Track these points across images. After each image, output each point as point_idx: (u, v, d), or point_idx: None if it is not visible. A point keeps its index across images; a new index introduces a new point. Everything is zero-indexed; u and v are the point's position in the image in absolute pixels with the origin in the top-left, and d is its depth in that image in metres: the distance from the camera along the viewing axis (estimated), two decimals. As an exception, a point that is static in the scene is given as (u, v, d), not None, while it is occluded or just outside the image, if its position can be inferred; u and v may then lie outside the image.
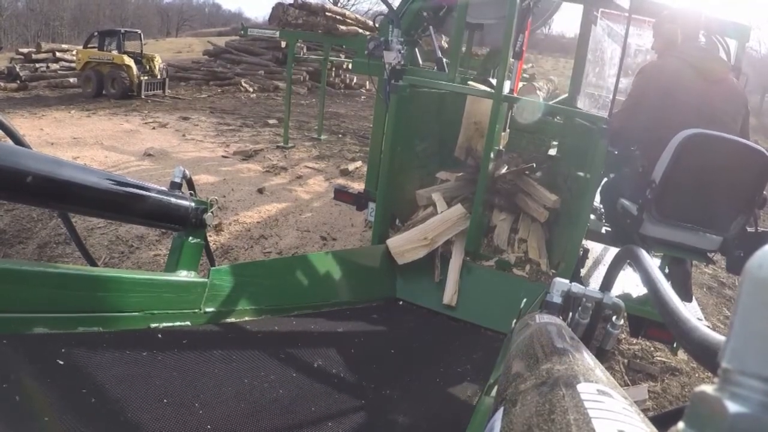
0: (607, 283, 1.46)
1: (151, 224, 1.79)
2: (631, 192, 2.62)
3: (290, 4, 7.91)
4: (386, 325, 2.26)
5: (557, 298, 1.28)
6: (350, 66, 8.92)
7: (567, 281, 1.31)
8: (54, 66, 14.56)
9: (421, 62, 3.77)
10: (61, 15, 34.10)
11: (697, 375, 3.57)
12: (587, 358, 0.69)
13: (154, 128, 9.03)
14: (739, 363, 0.35)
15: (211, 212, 1.77)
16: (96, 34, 13.18)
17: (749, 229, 2.39)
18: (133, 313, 1.46)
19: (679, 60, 2.53)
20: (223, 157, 7.39)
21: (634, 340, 3.74)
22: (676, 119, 2.41)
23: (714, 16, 2.84)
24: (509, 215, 3.03)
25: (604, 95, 4.03)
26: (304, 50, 11.42)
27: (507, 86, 2.71)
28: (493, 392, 1.04)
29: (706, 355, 0.66)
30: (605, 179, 3.03)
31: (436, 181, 3.29)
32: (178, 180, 1.73)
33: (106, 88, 12.10)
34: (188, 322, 1.62)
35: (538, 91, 3.53)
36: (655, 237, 2.45)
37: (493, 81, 3.33)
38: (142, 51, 12.99)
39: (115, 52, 12.29)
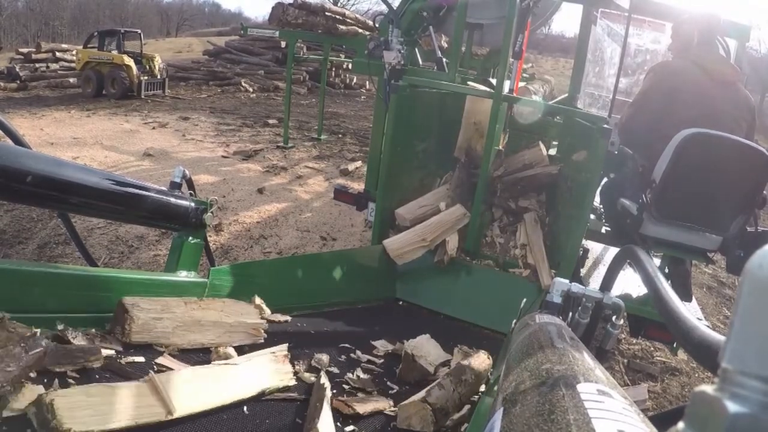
0: (607, 283, 1.46)
1: (151, 224, 1.79)
2: (631, 192, 2.61)
3: (290, 4, 7.88)
4: (386, 325, 2.26)
5: (557, 298, 1.28)
6: (350, 66, 8.91)
7: (567, 281, 1.32)
8: (54, 66, 14.55)
9: (421, 62, 3.77)
10: (60, 15, 34.10)
11: (697, 375, 3.57)
12: (587, 358, 0.69)
13: (154, 128, 9.03)
14: (739, 363, 0.35)
15: (211, 212, 1.77)
16: (96, 34, 13.17)
17: (749, 229, 2.39)
18: (133, 314, 1.46)
19: (690, 61, 2.53)
20: (223, 157, 7.40)
21: (634, 340, 3.74)
22: (677, 117, 2.41)
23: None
24: (507, 227, 2.98)
25: (603, 95, 4.03)
26: (304, 50, 11.41)
27: (507, 86, 2.71)
28: (493, 392, 1.04)
29: (705, 355, 0.66)
30: (605, 179, 3.03)
31: (435, 183, 3.29)
32: (177, 180, 1.73)
33: (106, 88, 12.10)
34: None
35: (533, 95, 3.48)
36: (655, 237, 2.45)
37: (493, 81, 3.33)
38: (141, 51, 12.98)
39: (114, 52, 12.28)
